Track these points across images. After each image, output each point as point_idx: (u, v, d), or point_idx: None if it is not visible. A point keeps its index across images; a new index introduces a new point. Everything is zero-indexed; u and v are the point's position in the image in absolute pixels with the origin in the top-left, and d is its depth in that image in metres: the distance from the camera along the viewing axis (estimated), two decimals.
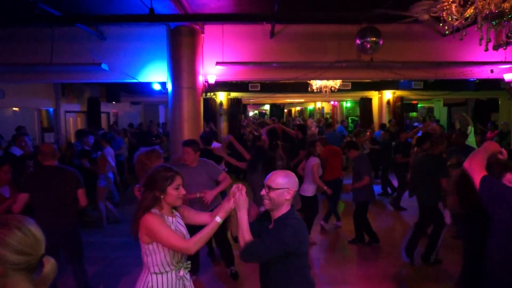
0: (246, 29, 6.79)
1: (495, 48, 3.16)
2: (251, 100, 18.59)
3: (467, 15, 3.11)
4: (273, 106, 21.86)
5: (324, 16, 5.65)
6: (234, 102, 12.24)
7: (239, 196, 2.07)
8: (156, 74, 6.94)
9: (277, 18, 5.67)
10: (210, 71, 6.84)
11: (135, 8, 5.39)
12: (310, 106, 24.31)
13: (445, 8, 3.17)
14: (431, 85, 11.64)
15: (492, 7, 2.98)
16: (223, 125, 11.75)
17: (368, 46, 5.71)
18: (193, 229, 2.16)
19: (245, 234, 2.06)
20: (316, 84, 9.79)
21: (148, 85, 8.25)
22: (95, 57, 6.71)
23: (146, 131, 11.49)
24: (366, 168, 5.20)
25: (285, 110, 26.08)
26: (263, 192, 2.10)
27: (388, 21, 5.75)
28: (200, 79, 6.62)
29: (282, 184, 2.06)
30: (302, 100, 18.86)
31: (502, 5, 2.93)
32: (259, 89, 10.41)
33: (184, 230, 2.22)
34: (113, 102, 12.49)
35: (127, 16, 5.63)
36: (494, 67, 6.91)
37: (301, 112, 26.60)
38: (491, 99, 14.08)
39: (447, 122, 16.24)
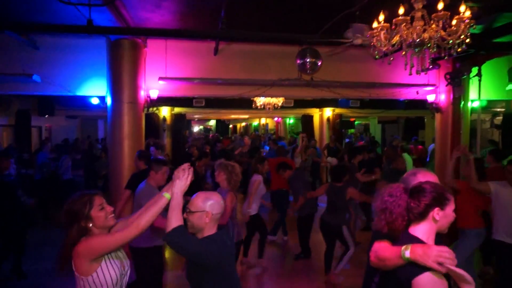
0: (190, 45, 6.79)
1: (418, 72, 3.50)
2: (195, 116, 18.44)
3: (394, 42, 3.41)
4: (218, 121, 21.91)
5: (267, 37, 5.84)
6: (178, 118, 12.05)
7: (183, 174, 2.01)
8: (94, 88, 6.63)
9: (221, 36, 5.74)
10: (152, 86, 6.70)
11: (73, 18, 5.13)
12: (255, 122, 24.69)
13: (375, 35, 3.45)
14: (367, 104, 12.42)
15: (415, 36, 3.31)
16: (167, 141, 11.48)
17: (308, 66, 5.99)
18: None
19: (173, 217, 1.94)
20: (260, 101, 10.01)
21: (86, 98, 7.84)
22: (26, 68, 6.25)
23: (69, 145, 10.90)
24: (301, 187, 5.39)
25: (230, 126, 26.24)
26: (185, 215, 2.05)
27: (327, 44, 6.10)
28: (142, 94, 6.44)
29: (201, 207, 2.02)
30: (246, 116, 19.10)
31: (423, 35, 3.26)
32: (203, 104, 10.35)
33: (121, 254, 2.10)
34: (46, 116, 11.65)
35: (62, 26, 5.35)
36: (419, 89, 7.61)
37: (246, 128, 26.88)
38: (418, 117, 15.36)
39: (381, 138, 17.40)
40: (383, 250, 1.72)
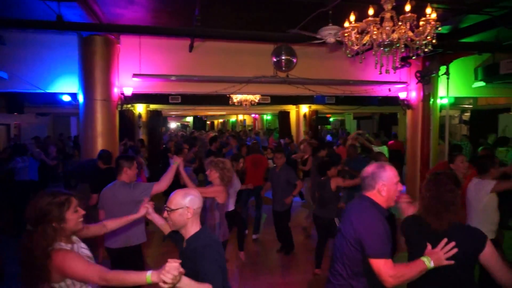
0: (165, 42, 6.71)
1: (387, 71, 3.61)
2: (172, 112, 18.23)
3: (365, 42, 3.50)
4: (195, 118, 21.73)
5: (242, 34, 5.85)
6: (154, 114, 11.87)
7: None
8: (66, 85, 6.45)
9: (195, 34, 5.70)
10: (126, 83, 6.59)
11: (43, 14, 4.98)
12: (232, 119, 24.66)
13: (346, 34, 3.53)
14: (342, 100, 12.59)
15: (384, 36, 3.41)
16: (142, 138, 11.30)
17: (283, 63, 6.04)
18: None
19: None
20: (236, 97, 10.01)
21: (57, 94, 7.61)
22: None
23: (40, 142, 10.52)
24: (284, 183, 5.45)
25: (208, 122, 26.11)
26: (165, 214, 2.05)
27: (301, 42, 6.16)
28: (116, 91, 6.33)
29: (181, 204, 2.01)
30: (224, 112, 19.05)
31: (392, 35, 3.37)
32: (180, 101, 10.22)
33: (88, 252, 2.07)
34: (15, 113, 11.22)
35: (31, 22, 5.16)
36: (391, 86, 7.82)
37: (224, 124, 26.83)
38: (392, 113, 15.78)
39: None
40: (404, 272, 1.98)
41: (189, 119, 25.29)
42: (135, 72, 6.54)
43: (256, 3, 5.06)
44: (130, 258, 3.54)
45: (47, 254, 1.80)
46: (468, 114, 14.32)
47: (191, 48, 6.55)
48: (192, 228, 2.05)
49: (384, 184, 2.15)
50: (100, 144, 5.95)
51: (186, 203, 2.01)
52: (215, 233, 3.75)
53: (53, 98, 8.52)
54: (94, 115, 6.01)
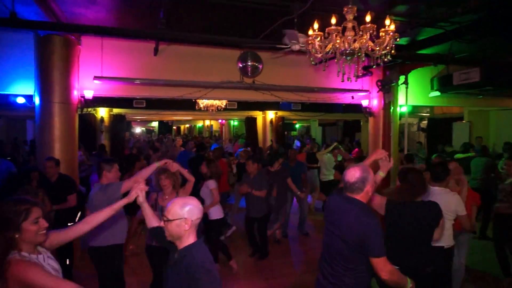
0: (128, 44, 6.54)
1: (349, 79, 3.71)
2: (137, 117, 17.79)
3: (328, 50, 3.59)
4: (161, 123, 21.33)
5: (207, 39, 5.81)
6: (117, 119, 11.50)
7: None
8: (20, 86, 6.11)
9: (160, 37, 5.60)
10: (87, 85, 6.35)
11: None
12: (199, 124, 24.44)
13: (310, 42, 3.60)
14: (308, 107, 12.85)
15: (346, 45, 3.51)
16: (105, 143, 10.91)
17: (249, 69, 6.08)
18: None
19: None
20: (203, 102, 9.93)
21: (10, 96, 7.20)
22: None
23: None
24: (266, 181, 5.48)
25: (174, 127, 25.70)
26: (161, 223, 1.98)
27: (267, 49, 6.22)
28: (75, 93, 6.07)
29: (179, 214, 1.91)
30: (190, 117, 18.82)
31: (353, 44, 3.47)
32: (144, 105, 10.01)
33: (56, 264, 1.96)
34: None
35: None
36: (354, 94, 8.07)
37: (190, 129, 26.52)
38: (355, 120, 16.27)
39: (322, 140, 18.15)
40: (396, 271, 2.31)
41: (155, 124, 24.77)
42: (96, 75, 6.32)
43: (222, 8, 5.05)
44: (113, 256, 3.51)
45: (2, 264, 1.70)
46: (425, 122, 15.04)
47: (156, 51, 6.43)
48: (188, 240, 1.95)
49: (371, 185, 2.37)
50: (57, 149, 5.68)
51: (185, 214, 1.91)
52: None
53: (6, 100, 8.05)
54: (51, 119, 5.72)
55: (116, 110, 11.37)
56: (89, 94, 6.32)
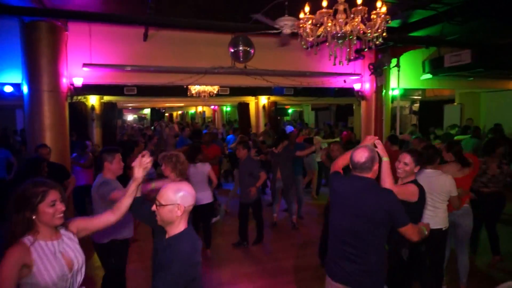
0: (117, 30, 6.42)
1: (341, 63, 3.69)
2: (128, 104, 17.60)
3: (319, 34, 3.56)
4: (153, 110, 21.16)
5: (197, 24, 5.72)
6: (108, 107, 11.36)
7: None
8: (7, 74, 6.00)
9: (148, 22, 5.50)
10: (76, 73, 6.25)
11: None
12: (192, 110, 24.29)
13: (301, 26, 3.56)
14: (300, 92, 12.82)
15: (338, 28, 3.48)
16: (96, 132, 10.81)
17: (241, 54, 6.01)
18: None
19: None
20: (195, 88, 9.85)
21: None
22: None
23: None
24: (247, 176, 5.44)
25: (166, 114, 25.52)
26: (153, 207, 1.94)
27: (259, 33, 6.15)
28: (64, 81, 5.98)
29: (172, 200, 1.89)
30: (182, 104, 18.68)
31: (345, 28, 3.45)
32: (135, 92, 9.89)
33: (72, 253, 1.95)
34: None
35: None
36: (346, 78, 8.06)
37: (183, 116, 26.36)
38: (348, 104, 16.30)
39: (315, 124, 18.18)
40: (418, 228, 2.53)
41: (147, 111, 24.56)
42: (85, 62, 6.21)
43: None
44: (117, 251, 3.44)
45: (11, 242, 1.76)
46: (417, 105, 15.12)
47: (145, 37, 6.33)
48: (178, 227, 1.94)
49: (377, 164, 2.50)
50: (48, 138, 5.62)
51: (178, 200, 1.89)
52: None
53: None
54: (40, 107, 5.65)
55: (106, 98, 11.24)
56: (78, 82, 6.23)
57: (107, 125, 11.14)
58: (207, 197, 5.00)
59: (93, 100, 10.77)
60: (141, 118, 26.82)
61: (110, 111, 11.38)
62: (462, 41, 6.89)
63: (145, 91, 10.76)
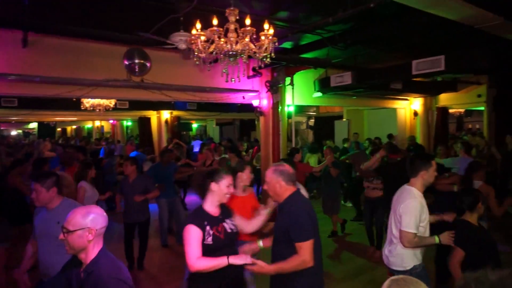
0: None
1: (232, 80, 3.83)
2: (11, 118, 15.52)
3: (211, 51, 3.64)
4: (41, 124, 18.99)
5: (86, 32, 5.34)
6: None
7: None
8: None
9: (23, 26, 4.95)
10: None
11: None
12: (88, 125, 22.46)
13: (193, 42, 3.60)
14: (204, 107, 12.87)
15: (229, 46, 3.61)
16: None
17: (136, 67, 5.80)
18: None
19: None
20: (88, 102, 9.17)
21: None
22: None
23: None
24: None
25: (58, 129, 23.15)
26: (61, 236, 1.74)
27: (154, 46, 6.02)
28: None
29: (81, 224, 1.74)
30: (75, 118, 17.11)
31: (235, 46, 3.59)
32: (16, 104, 8.79)
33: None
34: None
35: None
36: (245, 94, 8.36)
37: (78, 130, 24.21)
38: (251, 119, 16.89)
39: (219, 139, 18.38)
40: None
41: (34, 125, 21.91)
42: None
43: (110, 2, 4.73)
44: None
45: None
46: (313, 120, 16.43)
47: (25, 42, 5.68)
48: (93, 251, 1.77)
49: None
50: None
51: (88, 223, 1.74)
52: None
53: None
54: None
55: None
56: None
57: None
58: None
59: None
60: (27, 134, 23.85)
61: None
62: (344, 64, 7.76)
63: (28, 103, 9.60)
